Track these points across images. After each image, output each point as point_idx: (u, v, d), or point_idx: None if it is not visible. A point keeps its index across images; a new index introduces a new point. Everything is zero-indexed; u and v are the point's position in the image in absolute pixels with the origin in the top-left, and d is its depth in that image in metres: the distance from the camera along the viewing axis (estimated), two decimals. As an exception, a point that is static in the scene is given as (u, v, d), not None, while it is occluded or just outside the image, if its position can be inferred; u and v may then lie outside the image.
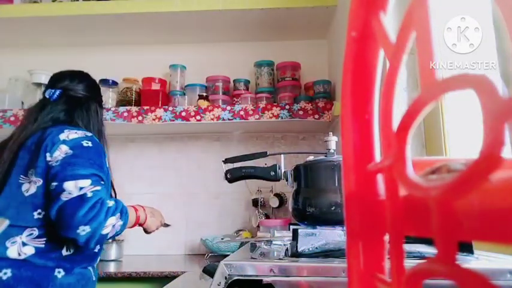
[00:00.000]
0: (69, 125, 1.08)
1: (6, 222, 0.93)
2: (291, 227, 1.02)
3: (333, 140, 0.95)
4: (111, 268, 1.51)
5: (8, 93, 1.87)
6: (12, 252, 0.93)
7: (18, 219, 0.96)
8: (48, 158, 0.99)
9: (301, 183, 0.91)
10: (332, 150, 0.94)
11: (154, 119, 1.74)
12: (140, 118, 1.74)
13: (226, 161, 1.11)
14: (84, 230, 0.91)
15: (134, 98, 1.86)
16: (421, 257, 0.59)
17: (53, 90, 1.13)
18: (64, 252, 0.98)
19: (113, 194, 1.15)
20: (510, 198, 0.13)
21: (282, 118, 1.71)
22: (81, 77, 1.19)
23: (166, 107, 1.77)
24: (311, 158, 0.93)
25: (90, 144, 1.03)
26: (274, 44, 2.06)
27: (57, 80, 1.17)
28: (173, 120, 1.74)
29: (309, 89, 1.93)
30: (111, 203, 0.97)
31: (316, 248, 0.68)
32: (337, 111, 1.63)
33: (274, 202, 1.81)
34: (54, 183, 0.95)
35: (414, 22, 0.19)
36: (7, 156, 1.03)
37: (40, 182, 0.98)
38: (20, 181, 1.00)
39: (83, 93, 1.16)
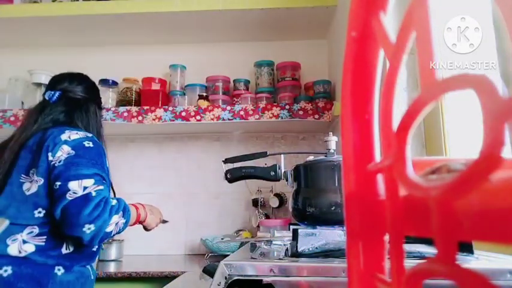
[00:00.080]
0: (69, 126, 1.10)
1: (6, 223, 0.94)
2: (291, 227, 1.02)
3: (333, 140, 0.95)
4: (111, 268, 1.51)
5: (8, 93, 1.87)
6: (13, 249, 0.94)
7: (19, 217, 0.97)
8: (50, 158, 1.00)
9: (301, 183, 0.91)
10: (332, 150, 0.94)
11: (154, 119, 1.74)
12: (140, 118, 1.74)
13: (226, 161, 1.11)
14: (89, 229, 0.93)
15: (134, 98, 1.86)
16: (421, 257, 0.59)
17: (52, 92, 1.15)
18: (64, 250, 0.99)
19: (112, 194, 1.16)
20: (510, 198, 0.13)
21: (282, 118, 1.71)
22: (80, 78, 1.21)
23: (166, 107, 1.77)
24: (311, 158, 0.93)
25: (91, 144, 1.05)
26: (274, 44, 2.06)
27: (56, 81, 1.19)
28: (173, 120, 1.74)
29: (309, 89, 1.93)
30: (114, 201, 1.00)
31: (316, 248, 0.68)
32: (337, 111, 1.63)
33: (274, 202, 1.81)
34: (58, 183, 0.96)
35: (414, 22, 0.19)
36: (8, 157, 1.04)
37: (41, 181, 0.99)
38: (21, 180, 1.01)
39: (82, 94, 1.18)
